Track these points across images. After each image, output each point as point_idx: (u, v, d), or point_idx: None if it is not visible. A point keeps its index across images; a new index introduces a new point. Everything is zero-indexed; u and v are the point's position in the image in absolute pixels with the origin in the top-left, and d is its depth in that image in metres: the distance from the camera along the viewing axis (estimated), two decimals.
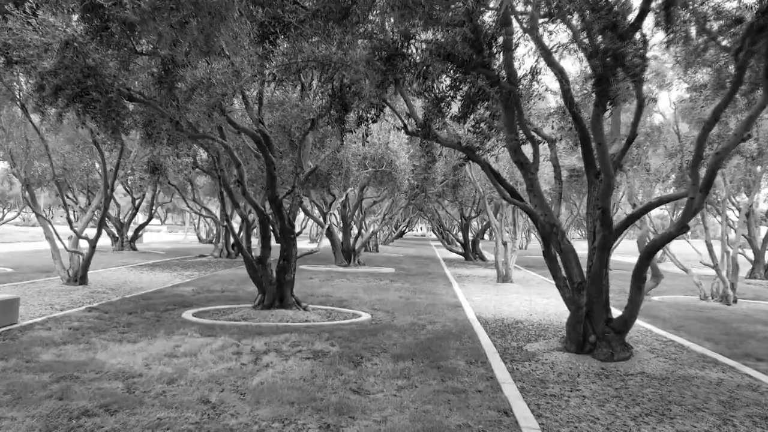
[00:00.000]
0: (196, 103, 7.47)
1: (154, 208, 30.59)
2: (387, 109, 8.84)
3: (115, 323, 9.94)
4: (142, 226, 30.49)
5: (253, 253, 11.71)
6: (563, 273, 8.99)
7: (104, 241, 31.15)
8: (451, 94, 6.50)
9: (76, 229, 14.43)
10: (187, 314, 11.07)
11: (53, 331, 9.01)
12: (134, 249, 29.13)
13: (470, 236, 33.92)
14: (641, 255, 8.13)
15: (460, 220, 34.95)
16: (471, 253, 32.61)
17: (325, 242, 30.10)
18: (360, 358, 7.95)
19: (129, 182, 26.01)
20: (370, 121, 7.12)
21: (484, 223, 36.23)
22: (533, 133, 7.76)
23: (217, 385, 6.49)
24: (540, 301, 15.09)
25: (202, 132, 9.23)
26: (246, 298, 13.41)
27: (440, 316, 11.99)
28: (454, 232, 43.40)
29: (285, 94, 11.42)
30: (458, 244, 35.84)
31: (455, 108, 6.90)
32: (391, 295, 14.94)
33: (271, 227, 11.65)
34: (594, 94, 6.60)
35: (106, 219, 29.04)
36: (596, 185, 8.76)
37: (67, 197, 25.39)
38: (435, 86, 6.34)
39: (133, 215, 29.94)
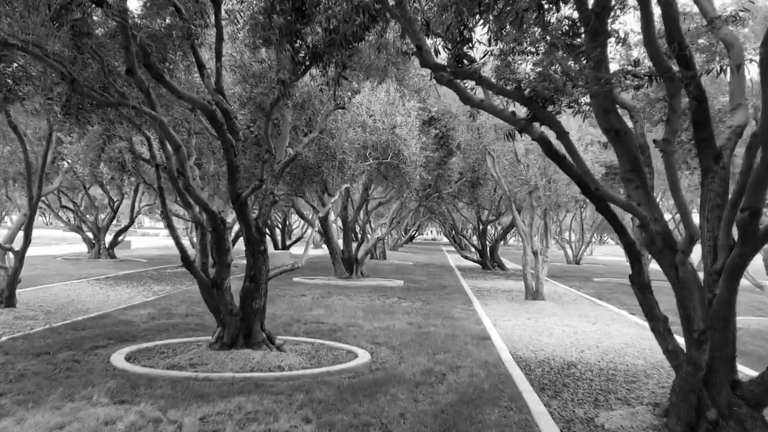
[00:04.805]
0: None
1: (136, 210, 27.52)
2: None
3: (2, 374, 6.94)
4: (121, 232, 27.44)
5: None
6: (659, 311, 5.91)
7: (81, 248, 28.20)
8: None
9: None
10: (118, 356, 8.05)
11: None
12: (112, 257, 26.12)
13: (487, 242, 30.70)
14: None
15: (476, 224, 31.70)
16: (489, 261, 29.38)
17: (324, 249, 26.92)
18: None
19: (105, 182, 23.03)
20: (354, 42, 4.03)
21: (502, 228, 32.96)
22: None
23: None
24: (586, 329, 11.92)
25: (117, 98, 6.20)
26: (211, 326, 10.30)
27: (464, 355, 8.89)
28: (468, 236, 39.99)
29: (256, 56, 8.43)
30: (473, 250, 32.53)
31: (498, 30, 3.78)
32: (399, 321, 11.83)
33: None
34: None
35: (83, 223, 26.20)
36: (715, 174, 5.66)
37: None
38: None
39: (112, 219, 26.93)
